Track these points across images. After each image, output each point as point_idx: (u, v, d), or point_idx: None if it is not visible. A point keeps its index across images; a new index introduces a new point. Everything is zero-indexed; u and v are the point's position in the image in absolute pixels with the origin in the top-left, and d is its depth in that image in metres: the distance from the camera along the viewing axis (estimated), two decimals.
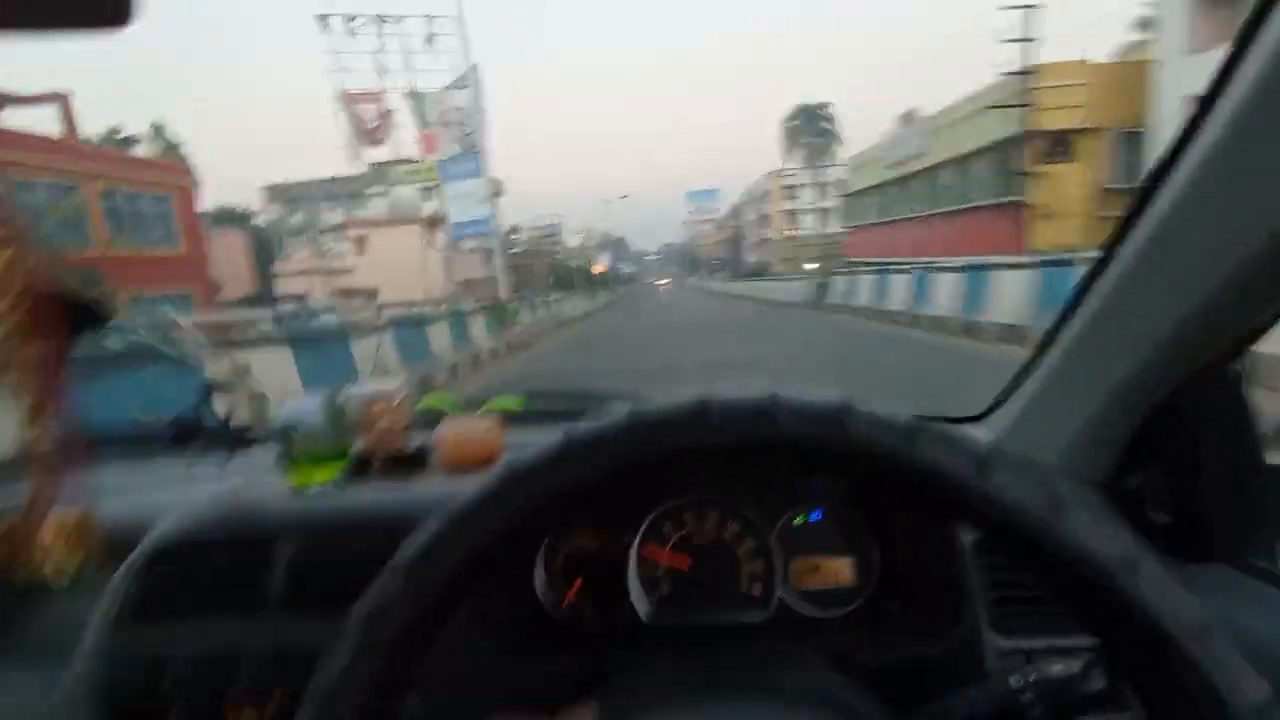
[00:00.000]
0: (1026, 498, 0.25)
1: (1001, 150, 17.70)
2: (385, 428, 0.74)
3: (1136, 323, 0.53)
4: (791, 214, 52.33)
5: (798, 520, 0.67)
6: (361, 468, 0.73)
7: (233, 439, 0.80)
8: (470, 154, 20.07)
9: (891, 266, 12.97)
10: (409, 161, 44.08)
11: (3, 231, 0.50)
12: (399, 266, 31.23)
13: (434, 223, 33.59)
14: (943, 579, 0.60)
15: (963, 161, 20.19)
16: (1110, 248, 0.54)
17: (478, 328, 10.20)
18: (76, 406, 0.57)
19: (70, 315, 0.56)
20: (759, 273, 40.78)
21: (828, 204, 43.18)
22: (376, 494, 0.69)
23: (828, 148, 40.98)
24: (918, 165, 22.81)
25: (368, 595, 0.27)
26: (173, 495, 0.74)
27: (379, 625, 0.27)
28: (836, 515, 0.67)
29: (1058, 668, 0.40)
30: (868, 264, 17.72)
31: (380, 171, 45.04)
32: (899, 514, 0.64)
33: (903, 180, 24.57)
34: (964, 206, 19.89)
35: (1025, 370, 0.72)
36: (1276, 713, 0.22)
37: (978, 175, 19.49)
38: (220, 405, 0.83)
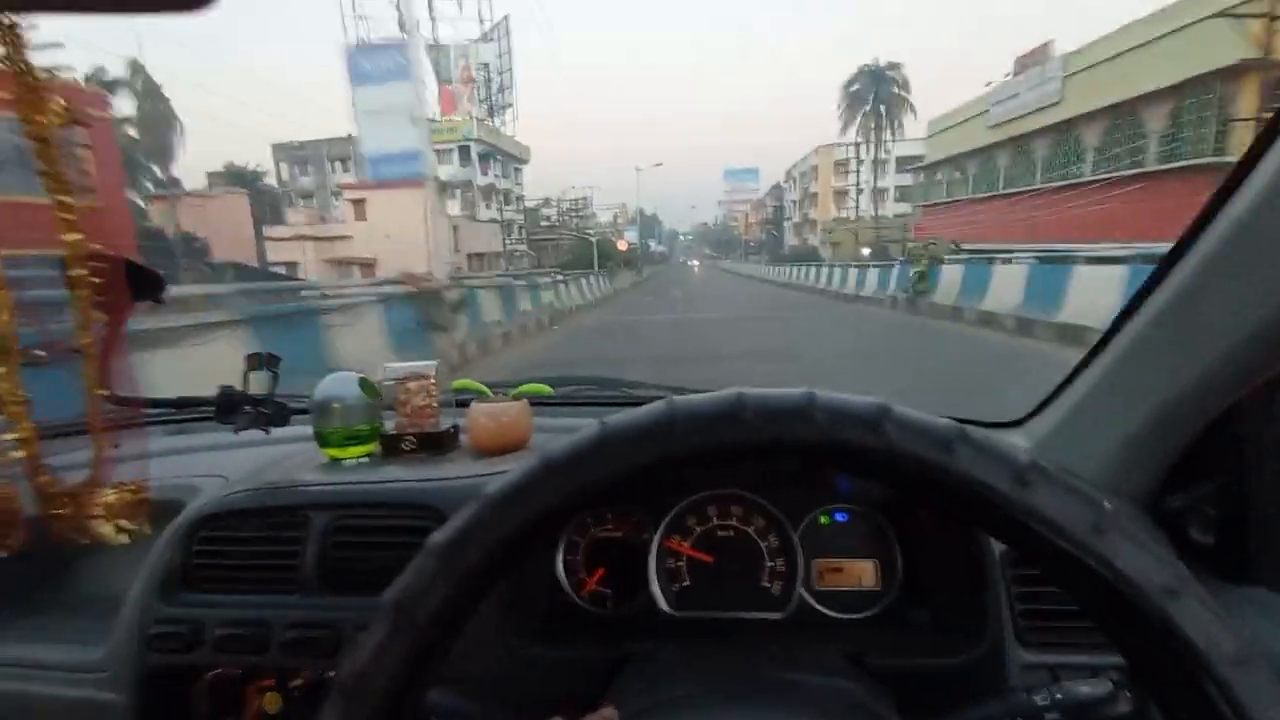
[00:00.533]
0: (1066, 516, 0.24)
1: (1199, 91, 12.55)
2: (417, 407, 0.76)
3: (1194, 336, 0.50)
4: (843, 193, 46.84)
5: (823, 519, 0.66)
6: (394, 445, 0.75)
7: (276, 411, 0.77)
8: (394, 44, 12.69)
9: (1078, 252, 8.22)
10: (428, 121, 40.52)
11: (74, 189, 0.51)
12: (402, 235, 27.36)
13: (444, 187, 29.69)
14: (968, 588, 0.58)
15: (1123, 110, 14.90)
16: (1172, 255, 0.51)
17: (370, 340, 5.81)
18: (134, 375, 0.60)
19: (133, 284, 0.57)
20: (803, 257, 35.54)
21: (891, 182, 37.57)
22: (407, 471, 0.70)
23: (896, 116, 35.23)
24: (1043, 121, 17.51)
25: (402, 577, 0.27)
26: (216, 464, 0.77)
27: (413, 607, 0.26)
28: (863, 516, 0.66)
29: (1084, 688, 0.41)
30: (995, 251, 12.73)
31: None
32: (927, 518, 0.62)
33: (1016, 141, 19.21)
34: (1131, 172, 14.55)
35: (1072, 376, 0.67)
36: None
37: (1151, 128, 14.30)
38: (264, 378, 0.79)
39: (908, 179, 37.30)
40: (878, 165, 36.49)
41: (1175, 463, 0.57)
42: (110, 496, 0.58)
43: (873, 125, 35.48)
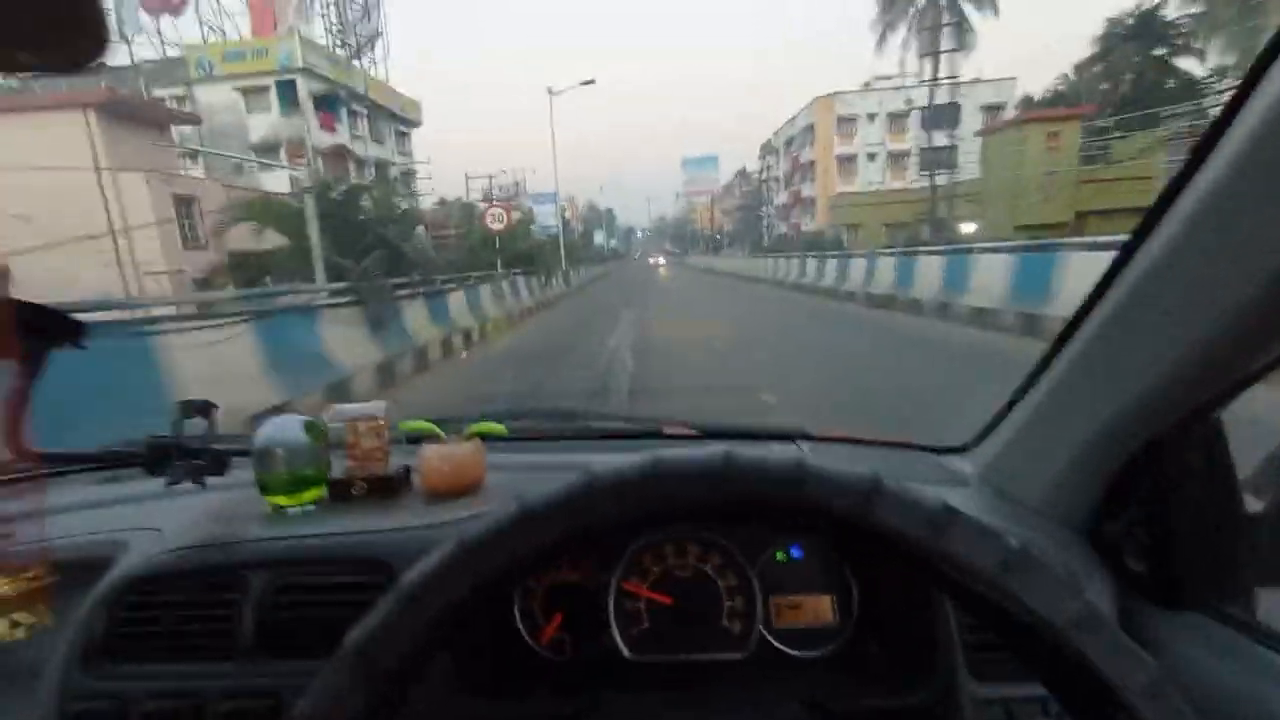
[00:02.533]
0: (976, 556, 0.25)
1: None
2: (367, 450, 0.74)
3: (1129, 360, 0.51)
4: (849, 159, 34.43)
5: (779, 555, 0.66)
6: (343, 490, 0.72)
7: (212, 461, 0.73)
8: None
9: None
10: (231, 45, 24.94)
11: None
12: (53, 210, 12.50)
13: (117, 110, 14.10)
14: (921, 622, 0.58)
15: None
16: (1108, 279, 0.52)
17: None
18: (37, 431, 0.53)
19: (30, 330, 0.52)
20: (815, 247, 22.45)
21: (912, 143, 24.86)
22: (357, 521, 0.67)
23: (965, 21, 22.40)
24: None
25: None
26: (150, 515, 0.72)
27: (378, 652, 0.26)
28: (817, 551, 0.66)
29: None
30: None
31: (176, 61, 25.95)
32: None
33: None
34: None
35: (1016, 399, 0.68)
36: None
37: None
38: (199, 424, 0.75)
39: (943, 138, 24.81)
40: (933, 103, 23.51)
41: (1112, 489, 0.58)
42: (4, 587, 0.51)
43: (926, 31, 22.49)
